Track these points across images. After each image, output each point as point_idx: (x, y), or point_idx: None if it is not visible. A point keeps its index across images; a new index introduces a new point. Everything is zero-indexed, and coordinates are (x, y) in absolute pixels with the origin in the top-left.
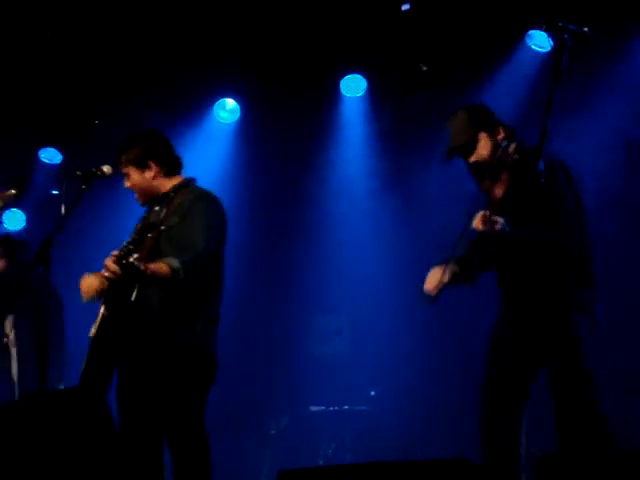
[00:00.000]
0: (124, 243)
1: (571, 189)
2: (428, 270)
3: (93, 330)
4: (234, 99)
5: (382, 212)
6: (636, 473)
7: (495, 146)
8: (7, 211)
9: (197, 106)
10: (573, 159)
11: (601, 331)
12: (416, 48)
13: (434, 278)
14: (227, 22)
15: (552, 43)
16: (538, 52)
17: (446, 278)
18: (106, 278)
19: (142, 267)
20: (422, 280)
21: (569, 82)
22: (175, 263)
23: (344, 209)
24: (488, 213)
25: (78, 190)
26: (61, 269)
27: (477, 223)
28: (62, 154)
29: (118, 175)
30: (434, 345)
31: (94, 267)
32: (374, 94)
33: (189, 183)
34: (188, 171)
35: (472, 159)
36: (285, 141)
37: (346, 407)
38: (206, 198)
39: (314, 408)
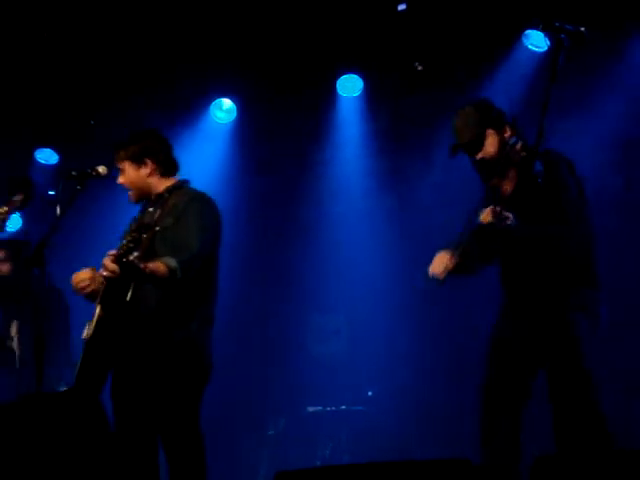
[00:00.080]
0: (122, 242)
1: (574, 179)
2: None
3: (88, 331)
4: (231, 99)
5: (379, 212)
6: (635, 473)
7: (502, 143)
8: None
9: (194, 106)
10: (570, 159)
11: (601, 331)
12: (412, 48)
13: (441, 262)
14: (224, 22)
15: (549, 43)
16: (535, 52)
17: (453, 262)
18: (105, 278)
19: (141, 266)
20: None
21: (566, 82)
22: (172, 263)
23: (341, 209)
24: (499, 208)
25: (73, 191)
26: (60, 269)
27: (487, 217)
28: (58, 155)
29: (114, 175)
30: (431, 345)
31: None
32: (370, 94)
33: (183, 185)
34: (185, 171)
35: (479, 156)
36: (282, 141)
37: (343, 407)
38: (200, 199)
39: (311, 408)
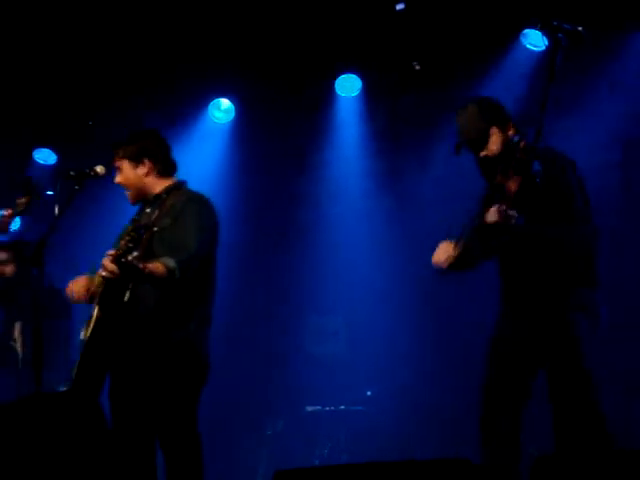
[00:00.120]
0: (121, 242)
1: (576, 178)
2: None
3: (86, 332)
4: (229, 99)
5: (378, 212)
6: (634, 473)
7: (506, 141)
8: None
9: (192, 106)
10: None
11: (602, 331)
12: (411, 48)
13: (445, 251)
14: (222, 22)
15: (547, 42)
16: (533, 51)
17: (457, 252)
18: (104, 278)
19: (140, 266)
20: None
21: (564, 81)
22: (171, 263)
23: (339, 209)
24: (504, 207)
25: (71, 191)
26: (59, 269)
27: (492, 216)
28: (57, 155)
29: (112, 175)
30: (430, 345)
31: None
32: (369, 94)
33: (181, 185)
34: (183, 171)
35: (483, 154)
36: (280, 141)
37: (342, 407)
38: (198, 200)
39: (310, 408)
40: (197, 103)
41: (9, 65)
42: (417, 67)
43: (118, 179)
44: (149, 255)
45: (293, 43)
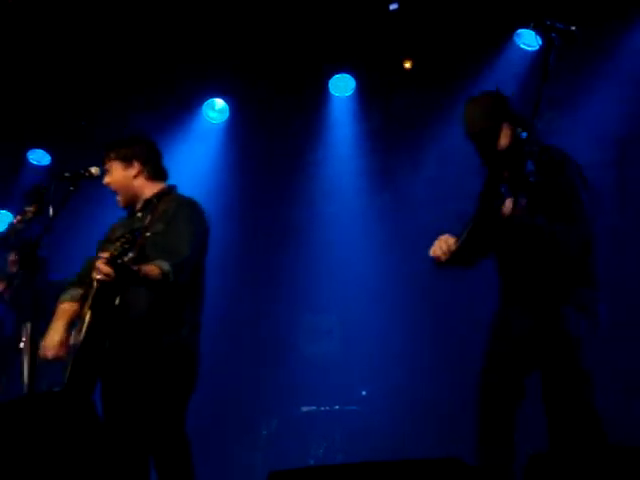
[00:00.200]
0: (116, 244)
1: (580, 178)
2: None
3: (77, 336)
4: (223, 99)
5: (371, 211)
6: (627, 470)
7: (515, 137)
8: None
9: (186, 106)
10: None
11: (602, 331)
12: (404, 48)
13: (444, 244)
14: (216, 23)
15: (540, 42)
16: (527, 51)
17: (456, 246)
18: (98, 281)
19: (135, 268)
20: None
21: (558, 80)
22: (165, 266)
23: (333, 209)
24: (522, 200)
25: (66, 192)
26: (50, 269)
27: (508, 209)
28: (50, 155)
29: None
30: (424, 344)
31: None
32: (363, 94)
33: (171, 191)
34: (178, 171)
35: (492, 147)
36: (274, 141)
37: (337, 407)
38: (189, 205)
39: (305, 408)
40: (191, 103)
41: (3, 66)
42: (407, 65)
43: (107, 180)
44: (142, 260)
45: (287, 43)
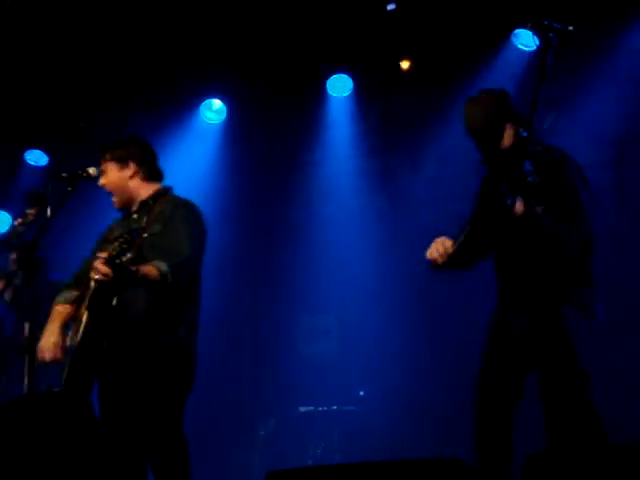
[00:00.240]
0: (115, 244)
1: (580, 178)
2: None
3: (74, 337)
4: (221, 99)
5: (369, 212)
6: (626, 469)
7: (517, 137)
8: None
9: (184, 106)
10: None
11: (601, 331)
12: (402, 48)
13: (441, 247)
14: (214, 23)
15: (538, 42)
16: (524, 51)
17: (452, 250)
18: (96, 281)
19: (133, 269)
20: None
21: (555, 81)
22: (163, 267)
23: (331, 209)
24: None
25: (64, 192)
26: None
27: (520, 208)
28: (48, 156)
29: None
30: (422, 345)
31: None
32: (360, 94)
33: (167, 192)
34: (175, 172)
35: (494, 146)
36: (272, 141)
37: (334, 407)
38: (185, 206)
39: (303, 408)
40: (189, 104)
41: (0, 67)
42: (404, 66)
43: (102, 181)
44: (140, 261)
45: (285, 43)
